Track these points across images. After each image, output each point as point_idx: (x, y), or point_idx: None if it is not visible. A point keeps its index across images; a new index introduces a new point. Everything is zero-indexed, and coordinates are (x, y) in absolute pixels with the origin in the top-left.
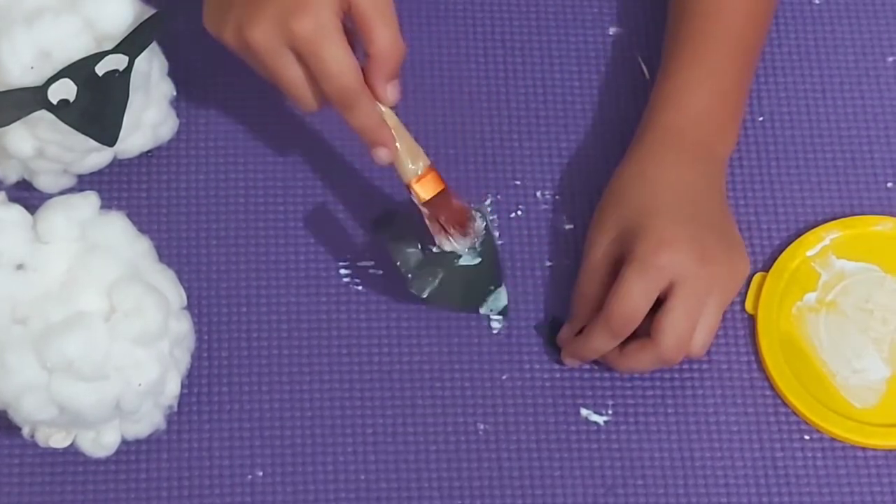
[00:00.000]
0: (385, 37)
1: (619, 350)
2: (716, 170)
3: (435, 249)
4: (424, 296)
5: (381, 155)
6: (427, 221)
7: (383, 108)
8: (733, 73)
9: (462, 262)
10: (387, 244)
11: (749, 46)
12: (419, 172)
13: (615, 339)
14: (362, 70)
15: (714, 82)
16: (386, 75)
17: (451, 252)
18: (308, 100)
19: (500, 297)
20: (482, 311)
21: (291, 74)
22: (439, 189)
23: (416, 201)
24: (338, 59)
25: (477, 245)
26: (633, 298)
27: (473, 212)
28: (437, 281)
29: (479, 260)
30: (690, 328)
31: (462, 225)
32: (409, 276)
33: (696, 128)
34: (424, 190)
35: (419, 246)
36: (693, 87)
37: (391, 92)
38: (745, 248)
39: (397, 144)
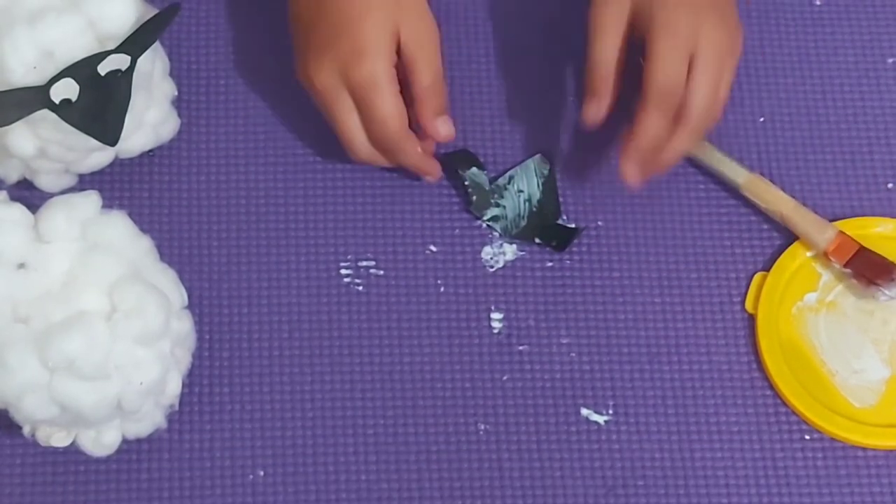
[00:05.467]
0: (425, 76)
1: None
2: None
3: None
4: (486, 218)
5: (430, 179)
6: (854, 280)
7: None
8: None
9: (524, 197)
10: (459, 170)
11: None
12: (831, 240)
13: (666, 116)
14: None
15: None
16: (432, 111)
17: (516, 188)
18: (358, 145)
19: (558, 231)
20: (538, 240)
21: (346, 118)
22: (854, 249)
23: (836, 265)
24: (387, 106)
25: (540, 185)
26: (671, 66)
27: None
28: (498, 207)
29: (541, 196)
30: (717, 89)
31: (888, 274)
32: (474, 197)
33: None
34: (840, 255)
35: (486, 175)
36: None
37: (442, 127)
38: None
39: (802, 219)
